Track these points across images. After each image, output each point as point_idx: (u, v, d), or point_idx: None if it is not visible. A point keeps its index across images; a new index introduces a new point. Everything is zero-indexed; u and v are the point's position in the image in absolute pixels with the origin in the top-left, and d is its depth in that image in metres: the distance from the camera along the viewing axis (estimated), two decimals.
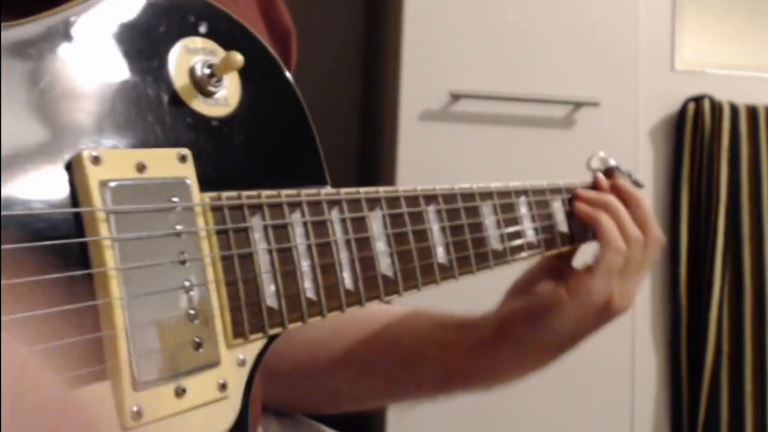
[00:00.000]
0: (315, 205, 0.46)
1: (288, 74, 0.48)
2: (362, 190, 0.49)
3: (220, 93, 0.43)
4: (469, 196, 0.57)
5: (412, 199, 0.52)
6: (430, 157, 1.60)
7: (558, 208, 0.67)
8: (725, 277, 1.66)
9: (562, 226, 0.67)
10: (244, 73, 0.44)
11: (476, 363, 0.67)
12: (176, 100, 0.41)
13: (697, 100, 1.69)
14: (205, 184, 0.41)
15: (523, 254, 0.62)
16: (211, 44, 0.43)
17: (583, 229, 0.69)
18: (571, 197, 0.69)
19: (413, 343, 0.69)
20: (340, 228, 0.47)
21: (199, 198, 0.40)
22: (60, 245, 0.34)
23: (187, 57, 0.42)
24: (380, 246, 0.49)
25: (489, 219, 0.59)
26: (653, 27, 1.72)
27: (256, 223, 0.42)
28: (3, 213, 0.32)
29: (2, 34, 0.35)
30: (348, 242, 0.47)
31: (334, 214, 0.47)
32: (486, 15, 1.64)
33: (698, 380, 1.64)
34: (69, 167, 0.36)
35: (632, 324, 1.65)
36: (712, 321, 1.64)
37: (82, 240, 0.35)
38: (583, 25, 1.68)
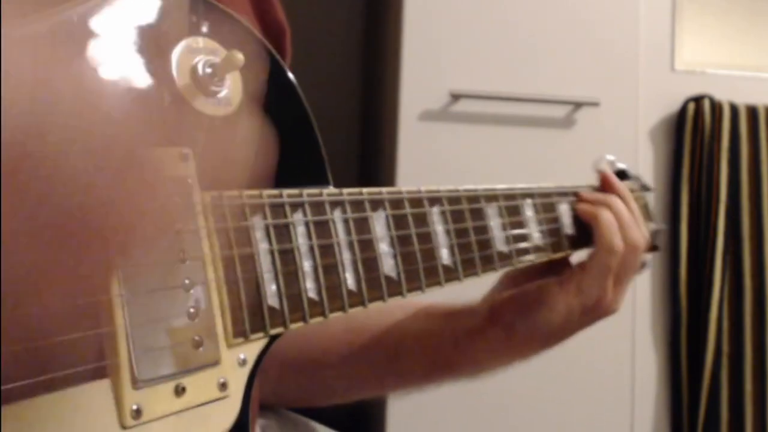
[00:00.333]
0: (317, 206, 0.45)
1: (290, 74, 0.48)
2: (365, 190, 0.48)
3: (222, 92, 0.43)
4: (473, 198, 0.57)
5: (416, 201, 0.52)
6: (430, 157, 1.60)
7: (565, 210, 0.67)
8: (725, 277, 1.66)
9: (569, 229, 0.67)
10: (246, 73, 0.44)
11: (463, 351, 0.67)
12: (178, 99, 0.41)
13: (697, 100, 1.69)
14: (206, 184, 0.40)
15: (530, 257, 0.62)
16: (212, 44, 0.43)
17: (589, 232, 0.68)
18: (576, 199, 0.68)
19: (399, 333, 0.69)
20: (343, 228, 0.47)
21: (200, 197, 0.40)
22: None
23: (190, 56, 0.42)
24: (383, 247, 0.49)
25: (494, 221, 0.58)
26: (653, 27, 1.72)
27: (257, 222, 0.42)
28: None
29: (2, 33, 0.35)
30: (350, 243, 0.47)
31: (337, 215, 0.46)
32: (486, 15, 1.64)
33: (698, 380, 1.64)
34: None
35: (632, 324, 1.65)
36: (712, 321, 1.64)
37: None
38: (583, 25, 1.68)
